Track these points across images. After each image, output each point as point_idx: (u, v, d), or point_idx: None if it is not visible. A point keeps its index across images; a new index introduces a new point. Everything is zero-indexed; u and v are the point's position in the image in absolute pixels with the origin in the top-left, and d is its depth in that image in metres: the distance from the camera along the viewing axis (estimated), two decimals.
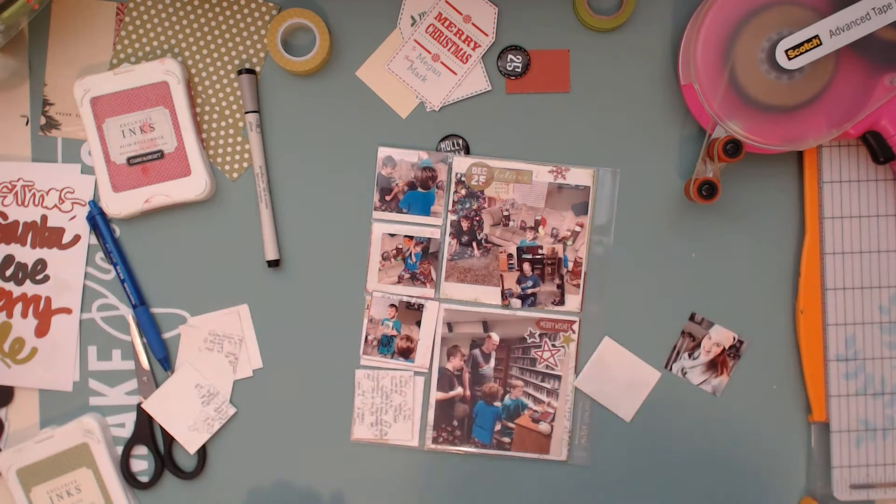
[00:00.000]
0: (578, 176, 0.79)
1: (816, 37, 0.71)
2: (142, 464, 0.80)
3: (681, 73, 0.77)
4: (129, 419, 0.80)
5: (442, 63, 0.79)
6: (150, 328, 0.79)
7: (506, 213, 0.79)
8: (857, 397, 0.79)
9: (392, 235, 0.79)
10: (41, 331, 0.79)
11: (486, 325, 0.79)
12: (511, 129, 0.80)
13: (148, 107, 0.77)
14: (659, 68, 0.79)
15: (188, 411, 0.79)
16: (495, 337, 0.79)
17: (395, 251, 0.79)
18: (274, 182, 0.80)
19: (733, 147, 0.73)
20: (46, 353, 0.79)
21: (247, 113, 0.78)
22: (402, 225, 0.79)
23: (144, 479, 0.80)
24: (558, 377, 0.79)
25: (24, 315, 0.79)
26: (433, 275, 0.79)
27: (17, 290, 0.79)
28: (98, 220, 0.78)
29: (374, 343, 0.80)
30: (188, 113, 0.77)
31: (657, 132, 0.80)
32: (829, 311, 0.78)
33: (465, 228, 0.79)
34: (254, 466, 0.80)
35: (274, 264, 0.79)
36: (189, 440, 0.79)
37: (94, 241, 0.79)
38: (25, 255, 0.79)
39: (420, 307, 0.79)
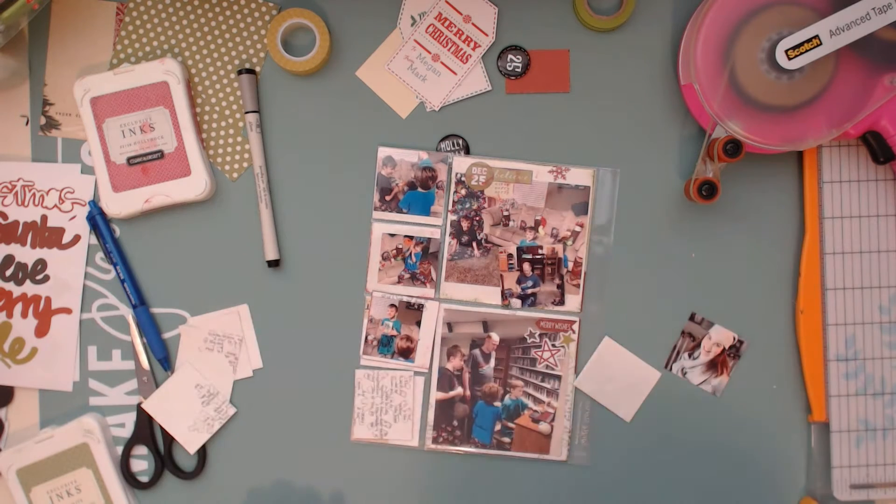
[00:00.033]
0: (578, 176, 0.79)
1: (816, 37, 0.71)
2: (142, 464, 0.80)
3: (681, 73, 0.77)
4: (129, 419, 0.80)
5: (442, 63, 0.79)
6: (150, 328, 0.79)
7: (506, 213, 0.79)
8: (857, 397, 0.79)
9: (392, 235, 0.79)
10: (41, 331, 0.79)
11: (486, 325, 0.79)
12: (511, 129, 0.80)
13: (148, 107, 0.77)
14: (659, 68, 0.79)
15: (188, 411, 0.79)
16: (495, 337, 0.79)
17: (395, 251, 0.79)
18: (274, 182, 0.80)
19: (733, 147, 0.73)
20: (46, 353, 0.79)
21: (247, 113, 0.78)
22: (402, 225, 0.79)
23: (144, 479, 0.80)
24: (558, 377, 0.79)
25: (24, 315, 0.79)
26: (433, 275, 0.79)
27: (17, 290, 0.79)
28: (98, 220, 0.78)
29: (374, 343, 0.80)
30: (188, 113, 0.77)
31: (657, 132, 0.80)
32: (829, 311, 0.78)
33: (465, 228, 0.79)
34: (254, 466, 0.80)
35: (274, 264, 0.79)
36: (189, 440, 0.79)
37: (94, 241, 0.80)
38: (25, 255, 0.79)
39: (420, 307, 0.79)
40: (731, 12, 0.72)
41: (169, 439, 0.80)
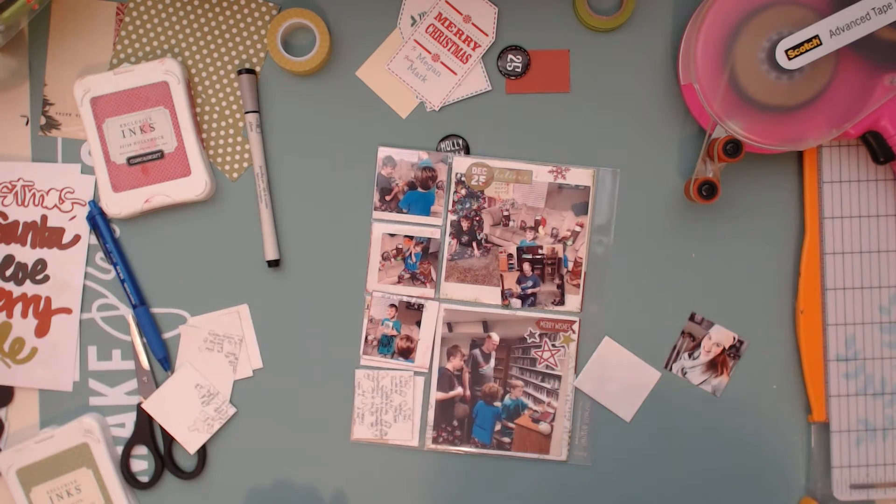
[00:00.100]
0: (578, 176, 0.79)
1: (816, 37, 0.71)
2: (142, 464, 0.80)
3: (681, 73, 0.77)
4: (129, 419, 0.80)
5: (442, 63, 0.79)
6: (150, 328, 0.79)
7: (506, 213, 0.79)
8: (857, 397, 0.79)
9: (392, 235, 0.79)
10: (41, 331, 0.79)
11: (486, 325, 0.79)
12: (511, 129, 0.80)
13: (148, 107, 0.77)
14: (659, 68, 0.79)
15: (188, 411, 0.79)
16: (495, 337, 0.79)
17: (395, 251, 0.79)
18: (274, 182, 0.80)
19: (733, 147, 0.73)
20: (46, 353, 0.79)
21: (247, 113, 0.78)
22: (402, 225, 0.79)
23: (144, 479, 0.80)
24: (558, 377, 0.79)
25: (24, 315, 0.79)
26: (433, 275, 0.79)
27: (17, 290, 0.79)
28: (98, 220, 0.78)
29: (374, 343, 0.80)
30: (188, 113, 0.77)
31: (657, 132, 0.80)
32: (829, 311, 0.78)
33: (465, 228, 0.79)
34: (254, 466, 0.80)
35: (274, 264, 0.79)
36: (189, 440, 0.79)
37: (94, 241, 0.80)
38: (25, 255, 0.79)
39: (420, 307, 0.79)
40: (731, 12, 0.72)
41: (169, 439, 0.80)
